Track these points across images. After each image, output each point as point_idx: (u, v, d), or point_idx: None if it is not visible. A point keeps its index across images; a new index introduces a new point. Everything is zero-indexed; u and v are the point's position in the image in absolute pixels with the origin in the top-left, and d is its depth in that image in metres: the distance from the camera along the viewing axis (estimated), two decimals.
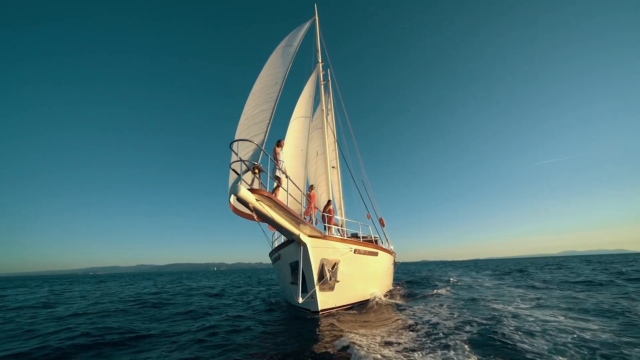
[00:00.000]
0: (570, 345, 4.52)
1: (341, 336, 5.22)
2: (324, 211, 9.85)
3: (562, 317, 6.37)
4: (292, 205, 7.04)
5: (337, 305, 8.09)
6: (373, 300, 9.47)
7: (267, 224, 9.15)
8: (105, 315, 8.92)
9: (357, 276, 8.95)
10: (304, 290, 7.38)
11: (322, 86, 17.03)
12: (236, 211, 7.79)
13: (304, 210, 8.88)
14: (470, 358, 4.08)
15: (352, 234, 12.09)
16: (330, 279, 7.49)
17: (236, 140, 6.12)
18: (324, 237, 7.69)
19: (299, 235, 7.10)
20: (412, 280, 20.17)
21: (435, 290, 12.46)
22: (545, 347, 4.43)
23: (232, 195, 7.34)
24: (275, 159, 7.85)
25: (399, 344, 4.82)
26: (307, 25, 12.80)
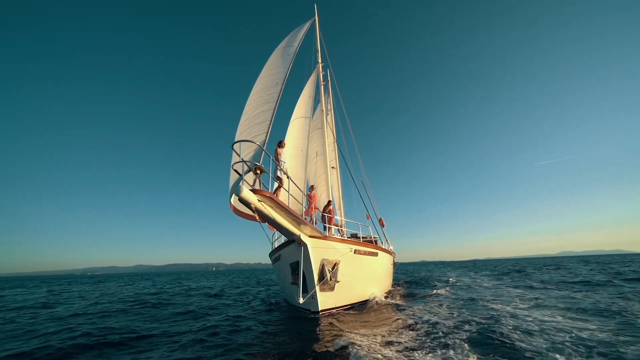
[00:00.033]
0: (567, 343, 4.58)
1: (341, 336, 5.25)
2: (324, 211, 9.88)
3: (560, 317, 6.44)
4: (293, 206, 7.07)
5: (337, 306, 8.12)
6: (373, 300, 9.50)
7: (267, 225, 9.18)
8: (105, 316, 8.93)
9: (357, 276, 8.97)
10: (305, 291, 7.40)
11: (322, 86, 17.07)
12: (237, 212, 7.81)
13: (304, 210, 8.91)
14: (469, 357, 4.14)
15: (351, 235, 12.14)
16: (331, 279, 7.51)
17: (239, 141, 6.13)
18: (325, 238, 7.71)
19: (299, 236, 7.12)
20: (411, 280, 20.23)
21: (434, 291, 12.52)
22: (544, 346, 4.49)
23: (233, 196, 7.36)
24: (277, 159, 7.87)
25: (399, 343, 4.86)
26: (307, 26, 12.84)
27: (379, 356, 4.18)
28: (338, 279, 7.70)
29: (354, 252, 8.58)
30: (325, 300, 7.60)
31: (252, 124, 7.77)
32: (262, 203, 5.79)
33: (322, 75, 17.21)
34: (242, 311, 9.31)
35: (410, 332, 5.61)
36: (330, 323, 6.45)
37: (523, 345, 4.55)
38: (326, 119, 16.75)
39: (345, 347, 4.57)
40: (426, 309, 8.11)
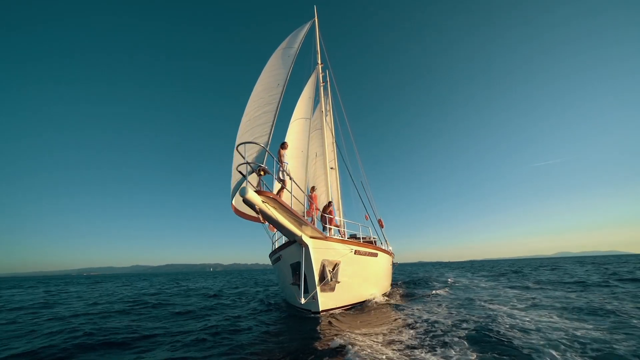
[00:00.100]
0: (563, 341, 4.72)
1: (341, 335, 5.31)
2: (324, 212, 9.94)
3: (556, 317, 6.57)
4: (295, 207, 7.14)
5: (337, 306, 8.17)
6: (373, 300, 9.57)
7: (267, 225, 9.24)
8: (106, 316, 8.94)
9: (357, 277, 9.03)
10: (305, 291, 7.46)
11: (322, 88, 17.17)
12: (238, 213, 7.87)
13: (305, 211, 8.98)
14: (469, 355, 4.24)
15: (350, 235, 12.22)
16: (331, 279, 7.57)
17: (243, 143, 6.18)
18: (325, 238, 7.77)
19: (301, 237, 7.17)
20: (410, 281, 20.35)
21: (433, 291, 12.63)
22: (540, 343, 4.62)
23: (235, 197, 7.42)
24: (280, 161, 7.92)
25: (399, 342, 4.95)
26: (307, 27, 12.94)
27: (380, 354, 4.26)
28: (338, 280, 7.77)
29: (354, 253, 8.65)
30: (325, 301, 7.65)
31: (253, 125, 7.84)
32: (266, 204, 5.86)
33: (322, 76, 17.31)
34: (242, 311, 9.36)
35: (410, 330, 5.71)
36: (330, 323, 6.51)
37: (520, 342, 4.67)
38: (325, 119, 16.85)
39: (345, 346, 4.63)
40: (425, 308, 8.21)
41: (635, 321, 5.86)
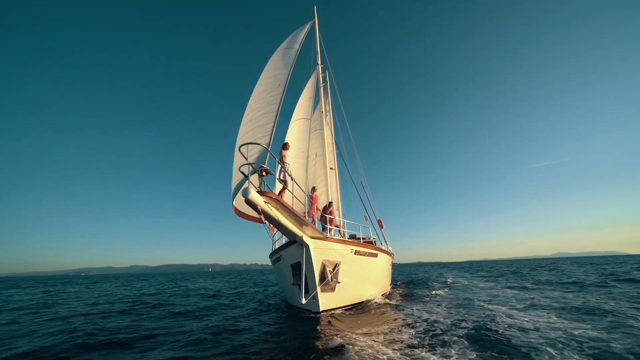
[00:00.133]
0: (561, 339, 4.82)
1: (342, 336, 5.34)
2: (325, 212, 9.97)
3: (554, 316, 6.64)
4: (296, 207, 7.18)
5: (337, 306, 8.19)
6: (372, 300, 9.61)
7: (267, 225, 9.26)
8: (106, 316, 8.96)
9: (357, 277, 9.06)
10: (306, 291, 7.48)
11: (322, 88, 17.21)
12: (239, 213, 7.89)
13: (306, 211, 9.01)
14: (468, 353, 4.30)
15: (350, 235, 12.26)
16: (332, 280, 7.60)
17: (246, 144, 6.20)
18: (326, 239, 7.80)
19: (302, 237, 7.20)
20: (409, 281, 20.43)
21: (432, 291, 12.70)
22: (538, 342, 4.70)
23: (236, 198, 7.45)
24: (282, 161, 7.95)
25: (399, 341, 5.01)
26: (307, 28, 12.98)
27: (380, 354, 4.31)
28: (339, 280, 7.80)
29: (355, 253, 8.69)
30: (326, 301, 7.67)
31: (255, 125, 7.87)
32: (268, 205, 5.89)
33: (322, 76, 17.36)
34: (242, 311, 9.40)
35: (410, 330, 5.76)
36: (331, 323, 6.55)
37: (519, 341, 4.75)
38: (325, 120, 16.90)
39: (346, 346, 4.66)
40: (425, 308, 8.27)
41: (632, 321, 5.93)
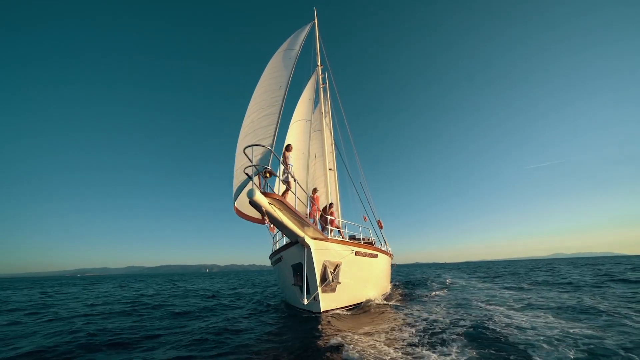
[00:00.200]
0: (557, 337, 4.98)
1: (343, 335, 5.40)
2: (325, 213, 10.02)
3: (550, 316, 6.79)
4: (298, 208, 7.25)
5: (338, 307, 8.24)
6: (373, 301, 9.68)
7: (268, 226, 9.32)
8: (107, 317, 8.97)
9: (357, 278, 9.12)
10: (307, 292, 7.51)
11: (322, 89, 17.31)
12: (240, 214, 7.93)
13: (308, 212, 9.07)
14: (467, 351, 4.41)
15: (350, 236, 12.35)
16: (333, 280, 7.66)
17: (251, 145, 6.24)
18: (327, 240, 7.86)
19: (303, 238, 7.24)
20: (408, 282, 20.56)
21: (431, 292, 12.83)
22: (535, 340, 4.86)
23: (238, 199, 7.50)
24: (285, 163, 8.01)
25: (400, 340, 5.10)
26: (307, 29, 13.07)
27: (381, 353, 4.39)
28: (340, 281, 7.86)
29: (355, 254, 8.75)
30: (327, 302, 7.72)
31: (256, 127, 7.92)
32: (272, 206, 5.95)
33: (322, 78, 17.45)
34: (242, 312, 9.44)
35: (410, 329, 5.86)
36: (331, 323, 6.59)
37: (516, 339, 4.91)
38: (325, 121, 16.99)
39: (347, 345, 4.72)
40: (424, 308, 8.38)
41: (625, 320, 6.09)
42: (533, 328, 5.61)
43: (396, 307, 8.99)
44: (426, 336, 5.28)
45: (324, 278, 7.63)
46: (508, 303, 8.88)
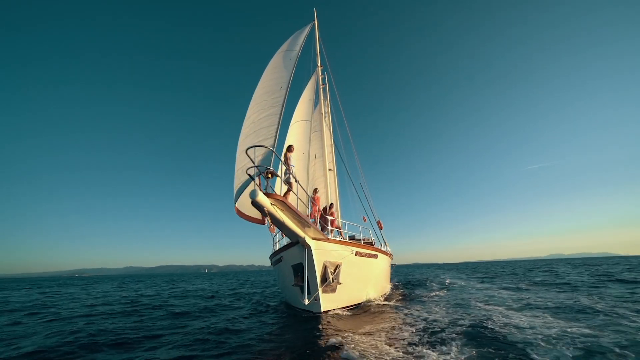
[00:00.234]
0: (554, 336, 5.07)
1: (343, 335, 5.43)
2: (326, 214, 10.06)
3: (549, 316, 6.86)
4: (299, 209, 7.29)
5: (338, 307, 8.27)
6: (373, 301, 9.73)
7: (268, 226, 9.35)
8: (108, 317, 8.98)
9: (357, 278, 9.15)
10: (308, 292, 7.52)
11: (321, 90, 17.36)
12: (240, 214, 7.96)
13: (309, 213, 9.11)
14: (467, 350, 4.47)
15: (349, 237, 12.39)
16: (333, 281, 7.68)
17: (253, 146, 6.26)
18: (327, 240, 7.89)
19: (304, 238, 7.26)
20: (407, 282, 20.63)
21: (430, 292, 12.89)
22: (532, 338, 4.95)
23: (238, 199, 7.53)
24: (287, 163, 8.03)
25: (400, 339, 5.15)
26: (307, 30, 13.12)
27: (381, 352, 4.44)
28: (340, 281, 7.89)
29: (355, 255, 8.79)
30: (327, 302, 7.75)
31: (257, 127, 7.96)
32: (274, 206, 5.99)
33: (321, 78, 17.51)
34: (242, 312, 9.47)
35: (410, 328, 5.92)
36: (331, 323, 6.63)
37: (514, 337, 4.99)
38: (325, 121, 17.05)
39: (347, 345, 4.75)
40: (424, 308, 8.44)
41: (622, 319, 6.17)
42: (531, 327, 5.68)
43: (396, 307, 9.04)
44: (426, 335, 5.33)
45: (324, 278, 7.65)
46: (507, 303, 8.95)
